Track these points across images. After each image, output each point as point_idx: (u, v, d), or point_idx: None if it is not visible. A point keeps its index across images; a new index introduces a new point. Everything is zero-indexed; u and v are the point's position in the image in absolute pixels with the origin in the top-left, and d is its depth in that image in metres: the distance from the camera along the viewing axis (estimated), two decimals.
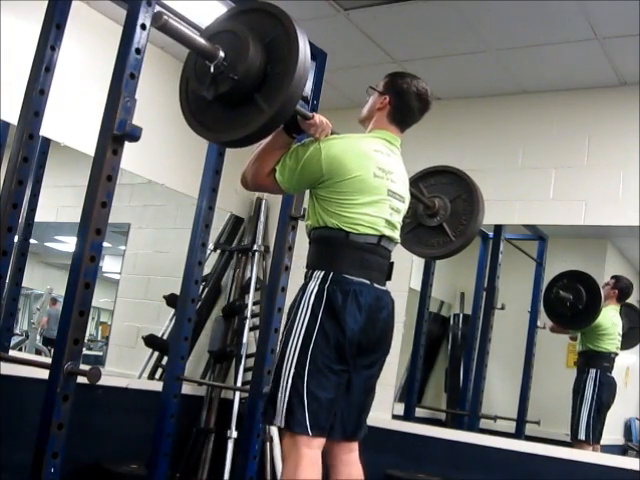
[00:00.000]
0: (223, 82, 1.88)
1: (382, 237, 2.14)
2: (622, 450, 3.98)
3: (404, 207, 2.27)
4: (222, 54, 1.87)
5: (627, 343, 3.90)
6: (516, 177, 3.89)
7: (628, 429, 4.06)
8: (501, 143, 3.99)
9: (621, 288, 3.87)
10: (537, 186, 3.80)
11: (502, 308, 4.02)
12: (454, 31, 3.42)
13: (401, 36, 3.55)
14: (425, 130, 4.04)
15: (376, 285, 2.13)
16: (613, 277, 3.88)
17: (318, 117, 2.08)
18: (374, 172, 2.10)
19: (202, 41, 1.88)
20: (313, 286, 2.06)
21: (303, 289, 2.10)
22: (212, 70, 1.88)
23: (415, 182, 3.11)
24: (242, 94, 1.89)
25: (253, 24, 1.93)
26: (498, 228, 4.05)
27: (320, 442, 2.03)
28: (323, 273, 2.07)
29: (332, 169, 2.06)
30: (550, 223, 3.83)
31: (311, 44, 2.67)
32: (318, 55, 2.73)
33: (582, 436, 3.68)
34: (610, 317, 3.85)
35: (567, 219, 3.70)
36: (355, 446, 2.19)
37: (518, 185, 3.86)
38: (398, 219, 2.23)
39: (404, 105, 2.24)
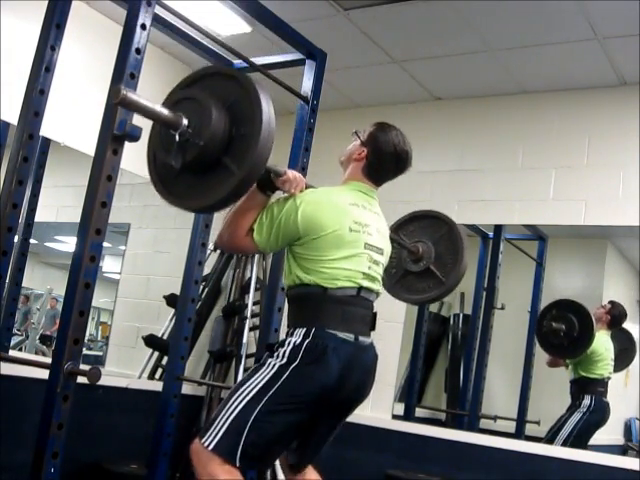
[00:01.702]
0: (189, 149, 1.86)
1: (361, 288, 2.09)
2: (622, 450, 3.98)
3: (384, 259, 2.22)
4: (185, 122, 1.85)
5: (619, 365, 3.88)
6: (516, 177, 3.88)
7: (628, 429, 4.06)
8: (501, 143, 3.99)
9: (614, 315, 3.83)
10: (537, 186, 3.79)
11: (502, 308, 4.02)
12: (454, 31, 3.42)
13: (401, 36, 3.55)
14: (425, 130, 4.09)
15: (360, 340, 2.06)
16: (610, 302, 3.85)
17: (291, 172, 2.04)
18: (350, 226, 2.06)
19: (164, 111, 1.86)
20: (294, 339, 2.00)
21: (282, 343, 2.03)
22: (177, 139, 1.86)
23: (395, 232, 3.07)
24: (210, 159, 1.86)
25: (213, 88, 1.92)
26: (498, 228, 4.05)
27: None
28: (305, 330, 2.00)
29: (308, 227, 2.02)
30: (550, 223, 3.83)
31: (311, 44, 2.70)
32: (318, 55, 2.73)
33: (559, 444, 3.64)
34: (603, 342, 3.83)
35: (567, 219, 3.70)
36: (309, 470, 2.17)
37: (518, 185, 3.86)
38: (378, 271, 2.17)
39: (379, 164, 2.19)
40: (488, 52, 3.57)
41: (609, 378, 3.81)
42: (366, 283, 2.10)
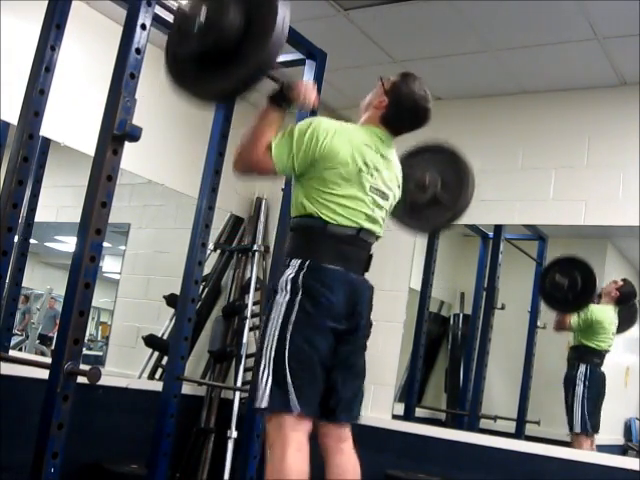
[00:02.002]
0: (207, 37, 1.92)
1: (361, 229, 2.14)
2: (622, 450, 3.97)
3: (388, 204, 2.25)
4: (204, 11, 1.92)
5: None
6: (516, 177, 3.88)
7: (628, 429, 4.06)
8: (501, 143, 3.99)
9: (624, 293, 3.87)
10: (537, 186, 3.79)
11: (502, 308, 4.02)
12: (454, 31, 3.42)
13: (401, 36, 3.55)
14: (425, 130, 4.06)
15: (353, 275, 2.13)
16: (623, 280, 3.89)
17: (303, 82, 2.11)
18: (360, 167, 2.10)
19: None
20: (290, 273, 2.07)
21: (280, 276, 2.11)
22: (196, 28, 1.92)
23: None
24: (227, 48, 1.93)
25: None
26: (498, 228, 4.05)
27: (306, 425, 2.02)
28: (300, 261, 2.07)
29: (324, 155, 2.06)
30: (550, 223, 3.83)
31: (311, 44, 2.70)
32: (318, 55, 2.74)
33: (578, 429, 3.70)
34: (610, 316, 3.87)
35: (567, 219, 3.70)
36: (347, 434, 2.19)
37: (518, 185, 3.86)
38: (381, 215, 2.21)
39: (396, 116, 2.23)
40: (488, 52, 3.57)
41: (607, 351, 3.84)
42: (367, 224, 2.15)
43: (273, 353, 2.01)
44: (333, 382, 2.12)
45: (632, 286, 3.89)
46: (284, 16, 1.92)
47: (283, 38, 1.93)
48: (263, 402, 1.99)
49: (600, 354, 3.83)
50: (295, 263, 2.08)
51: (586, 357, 3.84)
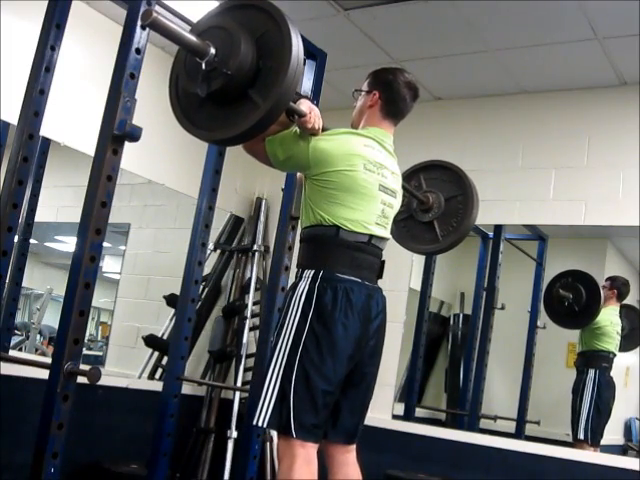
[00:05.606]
0: (216, 78, 1.84)
1: (372, 236, 2.13)
2: (622, 450, 3.98)
3: (397, 202, 2.25)
4: (213, 50, 1.84)
5: (629, 344, 3.92)
6: (516, 177, 3.89)
7: (628, 429, 4.06)
8: (501, 143, 3.99)
9: (618, 287, 3.89)
10: (537, 186, 3.79)
11: (502, 308, 4.02)
12: (454, 31, 3.42)
13: (401, 36, 3.55)
14: (425, 130, 4.09)
15: (367, 283, 2.11)
16: (608, 279, 3.89)
17: (311, 115, 2.05)
18: (364, 165, 2.08)
19: (192, 38, 1.84)
20: (303, 286, 2.04)
21: (293, 288, 2.08)
22: (204, 67, 1.85)
23: (416, 172, 3.08)
24: (235, 90, 1.85)
25: (243, 19, 1.90)
26: (498, 228, 4.05)
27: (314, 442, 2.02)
28: (313, 272, 2.05)
29: (318, 159, 2.05)
30: (550, 223, 3.83)
31: (311, 44, 2.70)
32: (318, 55, 2.74)
33: (581, 435, 3.69)
34: (608, 316, 3.86)
35: (567, 219, 3.70)
36: (352, 447, 2.18)
37: (518, 185, 3.86)
38: (390, 214, 2.21)
39: (395, 95, 2.21)
40: (488, 52, 3.57)
41: (614, 354, 3.82)
42: (378, 231, 2.14)
43: (280, 375, 1.99)
44: (340, 407, 2.10)
45: (621, 277, 3.90)
46: (298, 46, 1.81)
47: (297, 79, 1.82)
48: (263, 421, 1.98)
49: (607, 358, 3.82)
50: (308, 274, 2.06)
51: (593, 362, 3.83)
